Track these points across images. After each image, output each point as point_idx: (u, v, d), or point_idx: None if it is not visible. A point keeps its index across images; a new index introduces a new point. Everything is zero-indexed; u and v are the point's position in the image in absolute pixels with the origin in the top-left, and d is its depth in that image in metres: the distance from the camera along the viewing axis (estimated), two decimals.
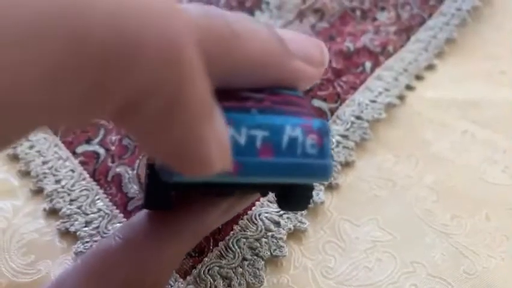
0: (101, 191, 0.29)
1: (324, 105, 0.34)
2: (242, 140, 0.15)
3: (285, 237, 0.26)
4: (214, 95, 0.14)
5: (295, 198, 0.22)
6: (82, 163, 0.31)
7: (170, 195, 0.21)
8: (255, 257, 0.25)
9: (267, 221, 0.27)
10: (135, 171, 0.30)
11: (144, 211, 0.22)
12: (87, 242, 0.27)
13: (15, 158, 0.32)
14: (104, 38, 0.09)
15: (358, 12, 0.44)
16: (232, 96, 0.16)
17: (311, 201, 0.28)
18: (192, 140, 0.12)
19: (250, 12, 0.45)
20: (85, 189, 0.29)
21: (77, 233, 0.27)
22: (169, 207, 0.21)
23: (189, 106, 0.11)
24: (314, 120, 0.17)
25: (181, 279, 0.25)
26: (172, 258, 0.21)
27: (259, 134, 0.15)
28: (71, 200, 0.29)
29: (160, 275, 0.21)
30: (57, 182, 0.30)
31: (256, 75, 0.15)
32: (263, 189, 0.23)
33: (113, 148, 0.32)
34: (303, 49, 0.16)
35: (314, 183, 0.22)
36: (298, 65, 0.16)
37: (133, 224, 0.21)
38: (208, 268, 0.25)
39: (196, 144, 0.12)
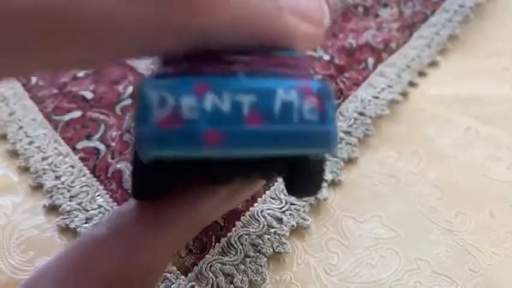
0: (101, 187, 0.29)
1: None
2: (226, 106, 0.13)
3: (287, 234, 0.26)
4: (194, 58, 0.13)
5: (303, 180, 0.20)
6: (82, 159, 0.31)
7: (157, 184, 0.19)
8: (258, 254, 0.25)
9: (269, 218, 0.27)
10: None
11: (134, 200, 0.20)
12: None
13: (14, 153, 0.32)
14: None
15: (360, 9, 0.44)
16: (214, 60, 0.14)
17: (312, 197, 0.28)
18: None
19: None
20: (85, 186, 0.29)
21: (77, 230, 0.27)
22: (157, 196, 0.19)
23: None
24: (313, 81, 0.15)
25: (183, 276, 0.24)
26: (165, 248, 0.20)
27: (246, 99, 0.13)
28: (71, 196, 0.29)
29: (152, 267, 0.19)
30: (57, 178, 0.30)
31: (241, 31, 0.13)
32: (264, 170, 0.20)
33: (113, 144, 0.32)
34: (299, 5, 0.14)
35: (325, 161, 0.20)
36: (291, 20, 0.14)
37: (122, 212, 0.20)
38: (210, 265, 0.25)
39: None
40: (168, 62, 0.15)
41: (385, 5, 0.44)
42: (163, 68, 0.15)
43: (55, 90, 0.36)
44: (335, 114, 0.15)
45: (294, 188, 0.20)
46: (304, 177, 0.19)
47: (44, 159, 0.31)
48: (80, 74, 0.38)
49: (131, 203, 0.20)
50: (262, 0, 0.13)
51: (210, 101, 0.13)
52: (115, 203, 0.28)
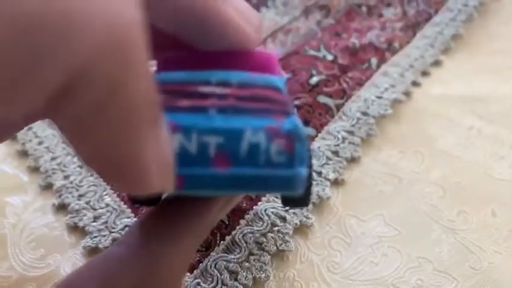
0: (108, 187, 0.30)
1: (330, 101, 0.34)
2: (193, 147, 0.13)
3: (291, 232, 0.27)
4: (171, 90, 0.12)
5: (294, 196, 0.19)
6: None
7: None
8: (262, 252, 0.26)
9: (273, 216, 0.27)
10: None
11: (146, 213, 0.21)
12: (95, 236, 0.27)
13: (24, 154, 0.33)
14: (30, 9, 0.08)
15: (364, 9, 0.44)
16: (191, 92, 0.14)
17: (315, 196, 0.28)
18: (129, 151, 0.10)
19: (257, 8, 0.45)
20: (93, 185, 0.30)
21: (86, 228, 0.28)
22: (156, 202, 0.20)
23: (130, 101, 0.10)
24: (286, 120, 0.14)
25: (188, 273, 0.25)
26: (182, 260, 0.20)
27: (213, 140, 0.13)
28: (80, 196, 0.29)
29: (172, 280, 0.20)
30: (66, 177, 0.30)
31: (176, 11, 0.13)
32: (250, 192, 0.20)
33: None
34: (240, 4, 0.14)
35: (312, 176, 0.20)
36: (230, 11, 0.14)
37: (136, 228, 0.20)
38: (214, 262, 0.25)
39: (133, 157, 0.10)
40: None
41: (388, 5, 0.44)
42: None
43: None
44: (306, 154, 0.14)
45: (287, 202, 0.21)
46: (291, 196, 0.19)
47: (53, 159, 0.32)
48: None
49: (147, 213, 0.21)
50: None
51: (177, 141, 0.13)
52: (122, 202, 0.29)
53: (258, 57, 0.15)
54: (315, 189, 0.29)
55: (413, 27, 0.41)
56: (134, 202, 0.19)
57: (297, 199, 0.20)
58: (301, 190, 0.15)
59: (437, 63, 0.38)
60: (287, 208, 0.28)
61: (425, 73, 0.37)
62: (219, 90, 0.14)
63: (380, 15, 0.43)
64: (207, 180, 0.13)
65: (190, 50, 0.14)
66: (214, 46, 0.14)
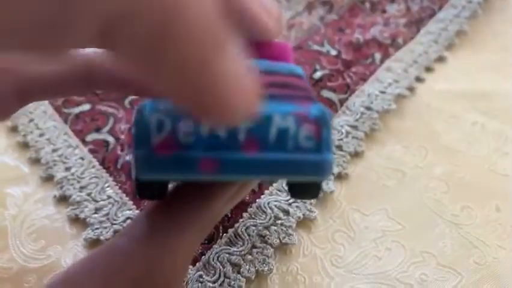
0: (110, 179, 0.29)
1: (333, 96, 0.34)
2: (222, 132, 0.13)
3: (294, 226, 0.26)
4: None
5: (305, 187, 0.20)
6: (92, 151, 0.31)
7: (157, 188, 0.19)
8: (264, 245, 0.25)
9: (276, 209, 0.27)
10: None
11: (150, 205, 0.20)
12: (97, 228, 0.27)
13: (25, 145, 0.32)
14: None
15: (367, 4, 0.44)
16: None
17: (321, 189, 0.28)
18: (203, 79, 0.10)
19: None
20: (95, 177, 0.30)
21: (87, 220, 0.27)
22: (162, 196, 0.19)
23: (187, 31, 0.09)
24: (312, 106, 0.14)
25: (191, 266, 0.25)
26: (185, 252, 0.20)
27: (242, 125, 0.13)
28: (81, 187, 0.29)
29: (176, 272, 0.20)
30: (67, 169, 0.30)
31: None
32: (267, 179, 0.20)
33: (122, 136, 0.32)
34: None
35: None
36: (253, 4, 0.14)
37: (140, 220, 0.20)
38: (217, 255, 0.25)
39: (206, 79, 0.10)
40: None
41: (392, 1, 0.44)
42: None
43: None
44: (332, 141, 0.15)
45: (295, 193, 0.21)
46: (307, 185, 0.19)
47: (54, 151, 0.31)
48: None
49: (147, 209, 0.20)
50: None
51: (206, 126, 0.13)
52: (124, 194, 0.29)
53: (277, 47, 0.15)
54: None
55: (416, 23, 0.41)
56: (140, 196, 0.19)
57: (307, 190, 0.20)
58: (328, 175, 0.15)
59: (441, 59, 0.38)
60: (291, 201, 0.27)
61: (429, 69, 0.37)
62: None
63: (384, 11, 0.43)
64: (237, 164, 0.13)
65: None
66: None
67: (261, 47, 0.15)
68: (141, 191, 0.18)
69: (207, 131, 0.13)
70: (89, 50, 0.18)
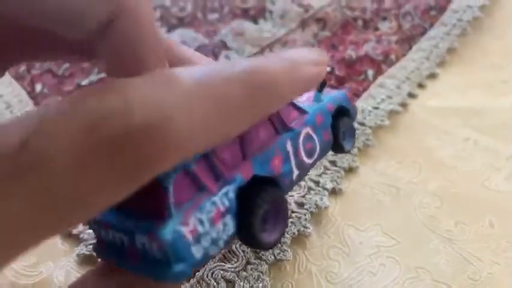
0: None
1: None
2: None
3: (289, 242, 0.26)
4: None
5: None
6: None
7: None
8: (259, 261, 0.25)
9: None
10: None
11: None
12: (90, 244, 0.27)
13: None
14: None
15: (360, 22, 0.45)
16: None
17: (313, 205, 0.28)
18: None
19: (254, 20, 0.45)
20: None
21: (80, 236, 0.27)
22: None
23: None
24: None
25: (184, 282, 0.24)
26: None
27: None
28: None
29: None
30: None
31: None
32: None
33: None
34: (307, 57, 0.17)
35: None
36: (308, 69, 0.17)
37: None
38: (211, 271, 0.25)
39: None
40: None
41: (384, 18, 0.45)
42: None
43: (60, 98, 0.37)
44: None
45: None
46: None
47: None
48: (84, 82, 0.39)
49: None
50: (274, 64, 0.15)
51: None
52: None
53: None
54: (313, 198, 0.28)
55: (408, 41, 0.42)
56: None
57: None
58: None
59: (432, 75, 0.39)
60: None
61: (421, 85, 0.38)
62: None
63: (376, 29, 0.44)
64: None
65: None
66: None
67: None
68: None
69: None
70: None
